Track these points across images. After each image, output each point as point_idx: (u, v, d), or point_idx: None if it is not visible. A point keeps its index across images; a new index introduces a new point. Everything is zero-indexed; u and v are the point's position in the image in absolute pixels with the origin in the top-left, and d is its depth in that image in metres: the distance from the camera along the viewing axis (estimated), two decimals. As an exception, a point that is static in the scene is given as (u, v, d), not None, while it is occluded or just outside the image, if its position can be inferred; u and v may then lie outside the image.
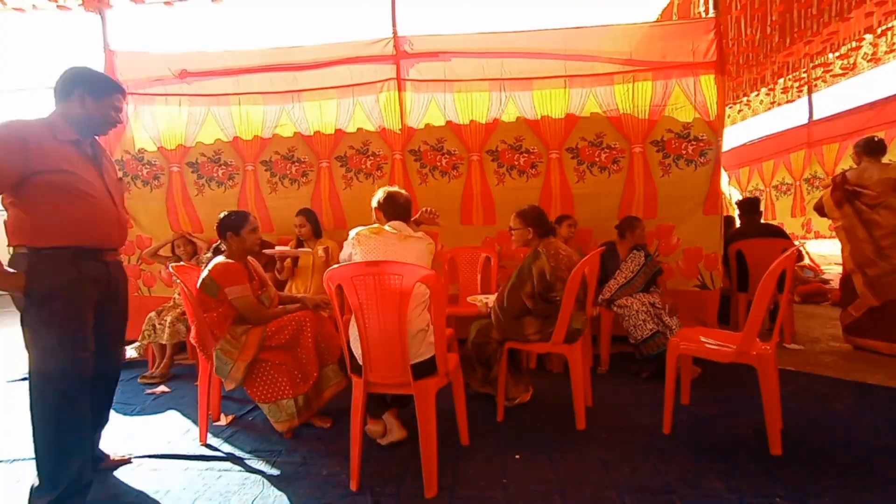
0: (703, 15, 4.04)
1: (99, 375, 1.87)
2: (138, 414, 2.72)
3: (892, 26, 5.00)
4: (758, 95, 7.18)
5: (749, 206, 4.23)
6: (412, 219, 2.33)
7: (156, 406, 2.83)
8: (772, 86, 6.73)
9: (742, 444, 2.11)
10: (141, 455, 2.19)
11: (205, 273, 2.34)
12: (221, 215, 2.47)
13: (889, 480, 1.80)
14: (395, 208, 2.17)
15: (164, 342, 3.27)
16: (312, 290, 3.36)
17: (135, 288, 3.95)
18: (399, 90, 3.67)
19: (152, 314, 3.37)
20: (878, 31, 5.02)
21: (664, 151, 3.59)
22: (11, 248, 1.74)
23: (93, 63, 3.80)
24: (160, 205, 3.96)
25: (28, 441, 2.35)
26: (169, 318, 3.29)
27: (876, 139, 3.44)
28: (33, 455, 1.74)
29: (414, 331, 1.88)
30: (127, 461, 2.14)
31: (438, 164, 3.77)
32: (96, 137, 1.92)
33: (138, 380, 3.23)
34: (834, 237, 6.38)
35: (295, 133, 3.87)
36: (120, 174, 3.88)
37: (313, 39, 4.12)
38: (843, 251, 3.54)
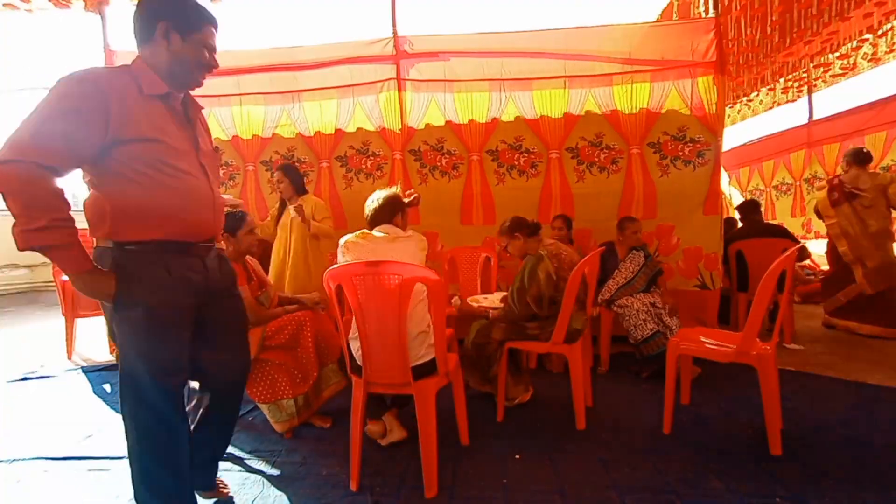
0: (703, 15, 4.05)
1: (215, 391, 1.67)
2: (138, 414, 2.72)
3: (893, 26, 4.99)
4: (758, 95, 7.18)
5: (749, 208, 4.25)
6: (407, 202, 2.23)
7: (156, 406, 2.82)
8: (772, 86, 6.73)
9: (742, 444, 2.11)
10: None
11: None
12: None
13: (889, 480, 1.80)
14: (375, 215, 2.10)
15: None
16: (292, 249, 3.25)
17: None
18: (399, 90, 3.67)
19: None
20: (879, 31, 5.02)
21: (661, 153, 3.59)
22: (95, 241, 1.44)
23: (92, 63, 3.82)
24: (160, 205, 3.96)
25: (29, 441, 2.36)
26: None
27: (864, 150, 3.94)
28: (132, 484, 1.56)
29: (414, 332, 1.88)
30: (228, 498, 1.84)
31: (438, 164, 3.77)
32: (189, 92, 1.54)
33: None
34: (834, 237, 6.39)
35: (297, 134, 3.88)
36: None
37: (313, 39, 4.11)
38: (838, 246, 3.91)
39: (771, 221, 6.66)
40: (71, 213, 1.29)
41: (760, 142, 7.86)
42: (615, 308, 3.07)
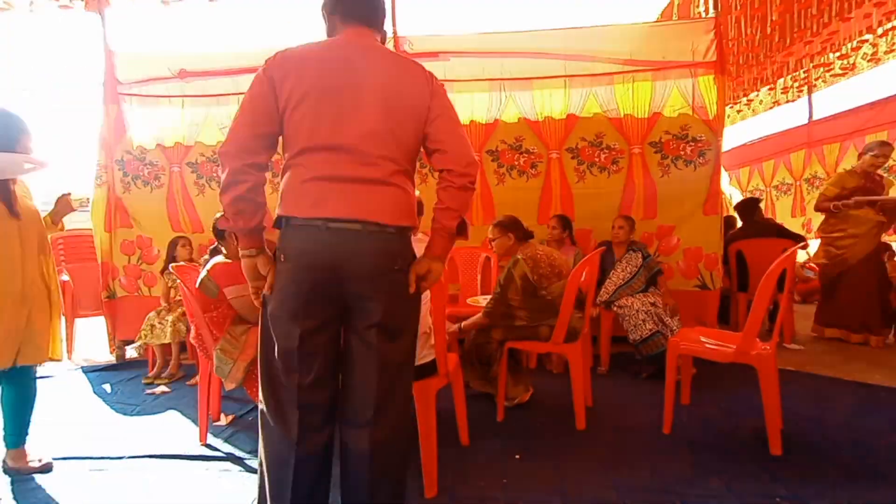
0: (703, 15, 4.04)
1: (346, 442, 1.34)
2: (138, 414, 2.72)
3: (893, 26, 4.99)
4: (758, 95, 7.18)
5: (747, 208, 4.23)
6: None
7: (156, 406, 2.83)
8: (772, 86, 6.73)
9: (742, 444, 2.11)
10: (141, 455, 2.19)
11: (203, 273, 2.33)
12: (217, 216, 2.47)
13: (889, 480, 1.80)
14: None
15: (167, 342, 3.27)
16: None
17: (135, 288, 3.95)
18: (399, 90, 3.66)
19: (151, 314, 3.37)
20: (879, 31, 5.01)
21: (662, 152, 3.59)
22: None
23: (93, 63, 3.83)
24: (160, 205, 3.96)
25: (29, 441, 2.35)
26: (170, 318, 3.29)
27: None
28: None
29: (419, 332, 1.88)
30: None
31: (438, 164, 3.77)
32: None
33: (143, 381, 3.23)
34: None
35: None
36: (120, 174, 3.88)
37: (314, 39, 4.11)
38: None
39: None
40: None
41: (760, 142, 7.86)
42: (615, 308, 3.07)
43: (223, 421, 2.54)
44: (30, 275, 1.98)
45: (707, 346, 2.22)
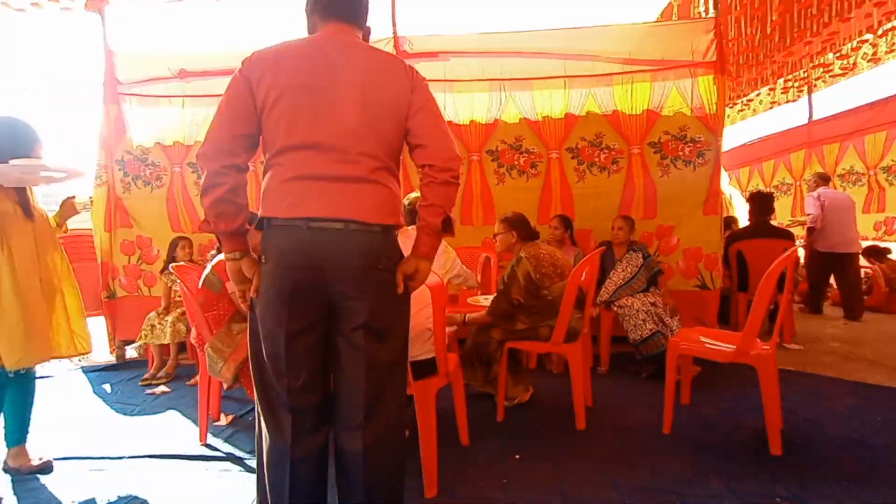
0: (703, 15, 4.05)
1: (340, 447, 1.34)
2: (138, 414, 2.72)
3: (893, 26, 4.99)
4: (758, 95, 7.18)
5: (761, 205, 4.05)
6: None
7: (156, 406, 2.83)
8: (772, 86, 6.73)
9: (742, 444, 2.11)
10: (141, 455, 2.19)
11: (207, 270, 2.33)
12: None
13: (889, 480, 1.80)
14: (410, 216, 2.16)
15: (166, 342, 3.27)
16: None
17: (135, 288, 3.95)
18: (399, 90, 3.66)
19: (152, 314, 3.37)
20: (879, 31, 5.02)
21: (661, 153, 3.59)
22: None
23: (93, 63, 3.83)
24: (161, 205, 3.96)
25: (29, 441, 2.35)
26: (170, 318, 3.29)
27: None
28: None
29: (420, 329, 1.88)
30: None
31: (438, 164, 3.77)
32: None
33: (139, 384, 3.23)
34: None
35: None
36: (120, 174, 3.88)
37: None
38: None
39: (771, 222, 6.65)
40: None
41: (760, 142, 7.86)
42: (615, 308, 3.07)
43: (223, 421, 2.54)
44: (45, 273, 2.06)
45: (707, 346, 2.22)
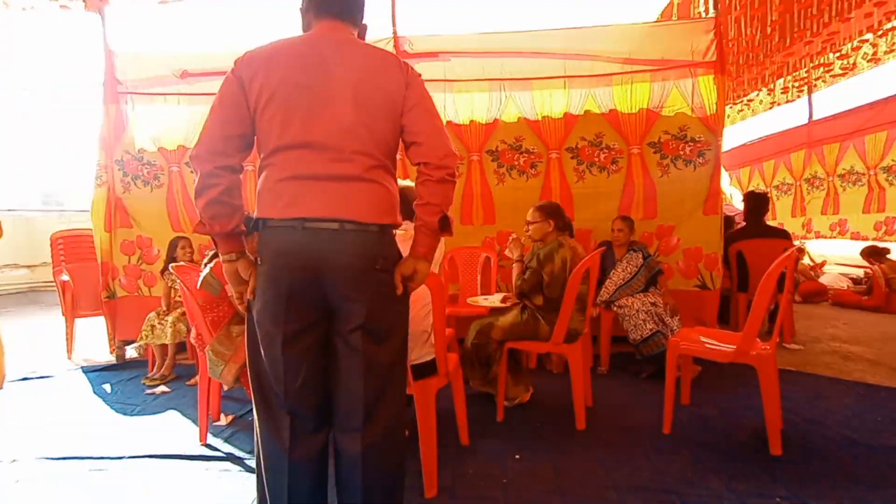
0: (703, 15, 4.05)
1: (339, 444, 1.33)
2: (138, 414, 2.72)
3: (893, 26, 4.99)
4: (758, 95, 7.18)
5: (756, 204, 4.06)
6: None
7: (156, 406, 2.83)
8: (772, 86, 6.73)
9: (742, 444, 2.11)
10: (141, 455, 2.19)
11: (205, 271, 2.33)
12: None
13: (889, 480, 1.80)
14: (406, 206, 2.15)
15: (167, 342, 3.27)
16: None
17: (135, 288, 3.95)
18: (399, 90, 3.66)
19: (152, 315, 3.37)
20: (879, 31, 5.01)
21: (661, 153, 3.59)
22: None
23: (93, 63, 3.82)
24: (160, 205, 3.96)
25: (29, 441, 2.35)
26: (170, 319, 3.28)
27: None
28: None
29: (417, 331, 1.88)
30: None
31: (438, 164, 3.76)
32: None
33: (142, 382, 3.23)
34: (835, 237, 6.42)
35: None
36: (120, 174, 3.88)
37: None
38: None
39: (770, 223, 6.65)
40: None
41: (760, 142, 7.86)
42: (615, 308, 3.07)
43: (223, 421, 2.54)
44: None
45: (707, 346, 2.22)
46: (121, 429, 2.52)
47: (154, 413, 2.72)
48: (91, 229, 3.89)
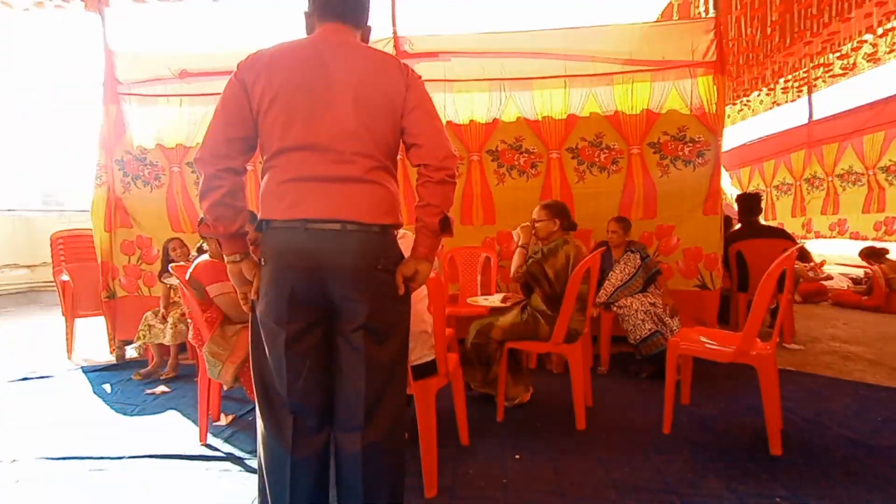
0: (703, 15, 4.04)
1: (339, 442, 1.33)
2: (138, 414, 2.72)
3: (893, 26, 4.99)
4: (758, 95, 7.18)
5: (748, 205, 4.09)
6: None
7: (156, 406, 2.83)
8: (772, 86, 6.73)
9: (742, 444, 2.11)
10: (141, 455, 2.19)
11: (191, 268, 2.32)
12: (202, 215, 2.45)
13: (889, 480, 1.80)
14: None
15: (165, 342, 3.27)
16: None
17: (135, 288, 3.95)
18: (399, 90, 3.66)
19: (148, 314, 3.37)
20: (879, 31, 5.01)
21: (661, 153, 3.59)
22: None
23: (93, 63, 3.82)
24: (160, 205, 3.96)
25: (29, 441, 2.36)
26: (171, 319, 3.28)
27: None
28: None
29: (416, 331, 1.88)
30: None
31: (438, 164, 3.76)
32: None
33: (132, 377, 3.24)
34: (835, 237, 6.42)
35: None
36: (120, 174, 3.89)
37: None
38: None
39: (770, 222, 6.66)
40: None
41: (760, 142, 7.87)
42: (614, 308, 3.07)
43: (223, 421, 2.54)
44: None
45: (707, 346, 2.22)
46: (121, 429, 2.52)
47: (154, 413, 2.72)
48: (91, 229, 3.89)
